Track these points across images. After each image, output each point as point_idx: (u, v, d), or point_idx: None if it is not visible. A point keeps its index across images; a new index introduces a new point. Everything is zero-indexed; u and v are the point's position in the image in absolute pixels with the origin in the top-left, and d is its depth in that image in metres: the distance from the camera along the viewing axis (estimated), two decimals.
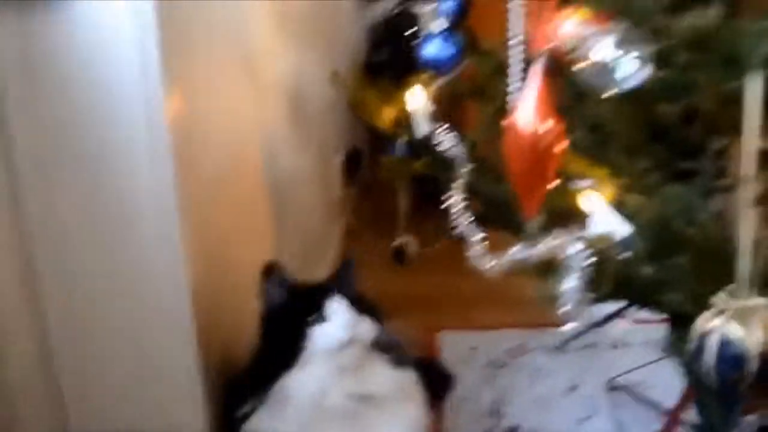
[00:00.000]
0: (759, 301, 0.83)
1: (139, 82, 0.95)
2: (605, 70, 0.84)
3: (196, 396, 1.11)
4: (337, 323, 1.09)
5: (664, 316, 1.21)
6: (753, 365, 0.81)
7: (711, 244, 1.05)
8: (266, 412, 1.09)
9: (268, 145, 1.54)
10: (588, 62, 0.85)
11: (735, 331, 0.81)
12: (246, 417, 1.10)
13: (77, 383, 1.10)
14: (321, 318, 1.10)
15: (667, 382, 1.44)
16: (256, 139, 1.48)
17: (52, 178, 1.00)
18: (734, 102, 0.98)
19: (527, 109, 0.87)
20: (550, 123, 0.86)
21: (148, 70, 0.95)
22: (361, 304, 1.13)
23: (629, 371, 1.63)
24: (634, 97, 1.05)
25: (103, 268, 1.04)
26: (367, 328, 1.11)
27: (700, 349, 0.84)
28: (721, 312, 0.83)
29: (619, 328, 1.71)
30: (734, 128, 1.08)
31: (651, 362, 1.63)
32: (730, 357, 0.82)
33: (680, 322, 1.13)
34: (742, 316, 0.82)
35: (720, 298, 0.84)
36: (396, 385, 1.14)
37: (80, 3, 0.92)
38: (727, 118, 1.08)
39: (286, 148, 1.71)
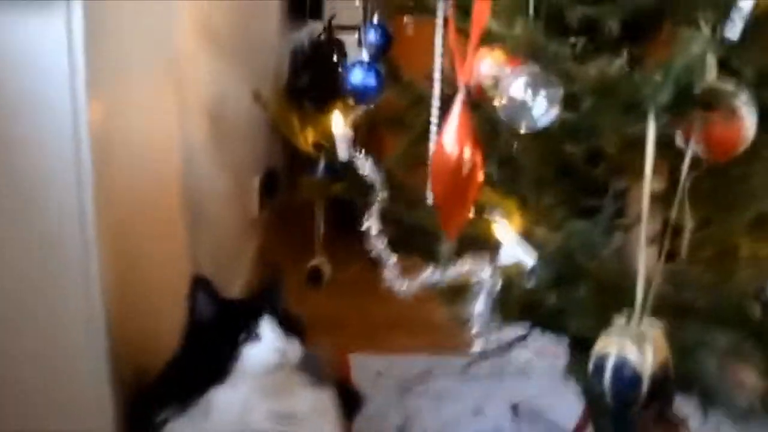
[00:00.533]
0: (652, 325, 0.88)
1: (64, 89, 0.95)
2: (517, 108, 0.89)
3: (105, 400, 1.10)
4: (269, 345, 1.09)
5: (566, 342, 1.27)
6: (645, 386, 0.85)
7: (609, 276, 1.12)
8: (186, 422, 1.09)
9: (187, 159, 1.53)
10: (502, 100, 0.90)
11: (630, 353, 0.86)
12: (163, 424, 1.10)
13: None
14: (253, 337, 1.10)
15: (568, 406, 1.49)
16: (176, 153, 1.48)
17: None
18: (634, 146, 1.05)
19: (450, 137, 0.91)
20: (471, 152, 0.91)
21: (75, 78, 0.96)
22: (288, 323, 1.14)
23: (532, 396, 1.69)
24: (543, 135, 1.11)
25: (17, 270, 1.02)
26: (295, 350, 1.12)
27: (598, 369, 0.88)
28: (617, 335, 0.88)
29: (522, 356, 1.78)
30: (634, 170, 1.16)
31: (553, 387, 1.70)
32: (626, 378, 0.86)
33: (580, 347, 1.19)
34: (638, 340, 0.86)
35: (617, 323, 0.89)
36: (315, 404, 1.16)
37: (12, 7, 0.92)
38: (628, 160, 1.15)
39: (205, 164, 1.71)
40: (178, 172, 1.49)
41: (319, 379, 1.18)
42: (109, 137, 1.06)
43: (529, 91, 0.88)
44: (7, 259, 1.02)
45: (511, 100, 0.89)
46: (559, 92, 0.89)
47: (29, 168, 1.00)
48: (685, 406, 1.24)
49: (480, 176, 0.91)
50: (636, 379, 0.85)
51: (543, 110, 0.89)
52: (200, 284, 1.14)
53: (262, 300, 1.18)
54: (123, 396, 1.14)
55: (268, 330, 1.10)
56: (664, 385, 0.87)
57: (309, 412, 1.14)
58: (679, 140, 0.96)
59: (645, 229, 0.92)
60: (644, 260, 0.90)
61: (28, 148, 0.99)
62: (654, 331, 0.88)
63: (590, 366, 0.89)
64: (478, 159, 0.90)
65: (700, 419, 1.20)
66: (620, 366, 0.86)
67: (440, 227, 0.99)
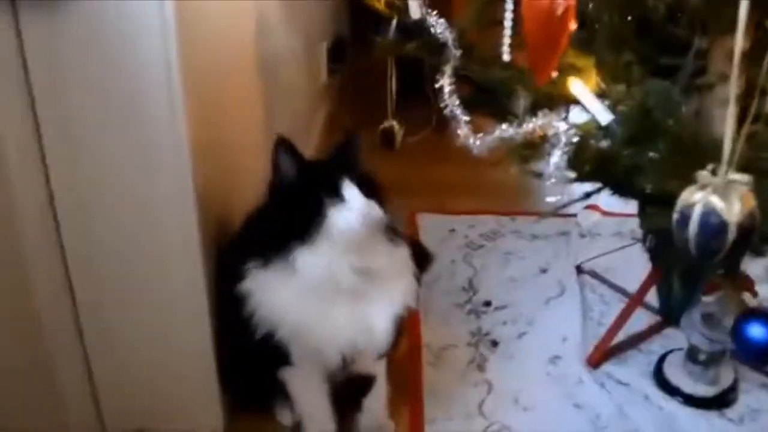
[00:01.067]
0: (737, 176, 0.86)
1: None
2: None
3: (192, 247, 1.15)
4: (354, 207, 1.11)
5: (636, 203, 1.28)
6: (731, 235, 0.85)
7: (688, 135, 1.11)
8: (271, 275, 1.13)
9: (261, 24, 1.54)
10: None
11: (716, 203, 0.85)
12: (248, 273, 1.15)
13: None
14: (339, 199, 1.11)
15: (632, 269, 1.53)
16: (251, 19, 1.49)
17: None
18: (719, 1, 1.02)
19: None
20: None
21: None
22: (368, 184, 1.15)
23: (598, 257, 1.72)
24: None
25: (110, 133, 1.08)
26: (377, 212, 1.13)
27: (683, 219, 0.88)
28: (703, 186, 0.87)
29: (589, 218, 1.80)
30: (717, 28, 1.13)
31: (618, 249, 1.73)
32: (712, 226, 0.86)
33: (653, 206, 1.20)
34: (723, 191, 0.86)
35: (702, 175, 0.88)
36: (393, 259, 1.19)
37: None
38: (711, 16, 1.12)
39: (277, 30, 1.72)
40: (253, 38, 1.51)
41: (395, 236, 1.20)
42: (189, 7, 1.08)
43: None
44: (97, 124, 1.07)
45: None
46: None
47: (116, 34, 1.02)
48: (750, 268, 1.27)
49: (572, 20, 0.89)
50: (722, 227, 0.85)
51: None
52: (283, 145, 1.14)
53: (342, 162, 1.18)
54: (209, 246, 1.19)
55: (352, 192, 1.12)
56: (749, 236, 0.87)
57: (387, 268, 1.17)
58: None
59: (735, 86, 0.89)
60: (733, 112, 0.88)
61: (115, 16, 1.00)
62: (740, 181, 0.87)
63: (675, 216, 0.89)
64: (571, 1, 0.88)
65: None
66: (707, 214, 0.86)
67: (531, 72, 0.97)
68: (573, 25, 0.89)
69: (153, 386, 1.25)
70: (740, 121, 1.24)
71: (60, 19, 0.98)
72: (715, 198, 0.85)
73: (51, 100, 1.03)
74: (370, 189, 1.15)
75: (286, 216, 1.14)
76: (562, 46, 0.91)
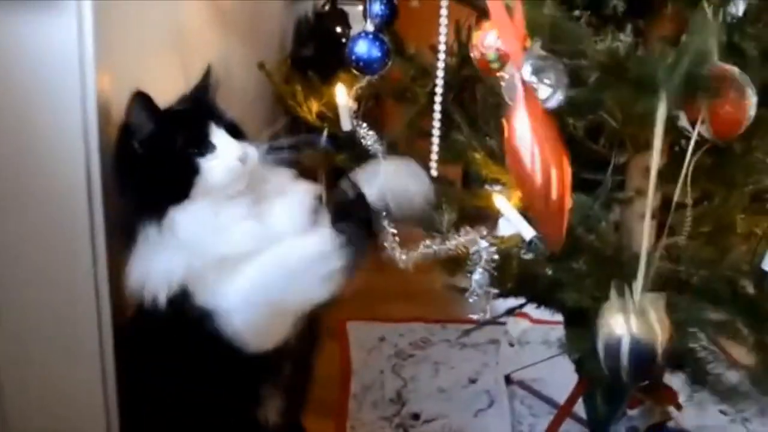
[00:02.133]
0: (654, 296, 0.88)
1: (73, 62, 0.97)
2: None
3: None
4: (228, 154, 1.03)
5: (561, 315, 1.30)
6: (661, 359, 0.86)
7: (607, 249, 1.14)
8: (151, 247, 1.03)
9: None
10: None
11: (640, 331, 0.86)
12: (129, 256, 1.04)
13: None
14: (209, 148, 1.03)
15: (561, 379, 1.52)
16: None
17: None
18: (636, 121, 1.07)
19: (523, 135, 0.88)
20: (558, 173, 0.89)
21: (84, 53, 0.97)
22: (232, 125, 1.08)
23: (526, 367, 1.72)
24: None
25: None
26: (253, 151, 1.07)
27: (611, 351, 0.88)
28: (619, 313, 0.88)
29: (518, 327, 1.81)
30: (634, 145, 1.18)
31: (546, 359, 1.73)
32: (642, 356, 0.86)
33: (576, 320, 1.22)
34: (642, 315, 0.87)
35: (615, 299, 0.89)
36: (279, 180, 1.13)
37: None
38: (629, 134, 1.17)
39: None
40: None
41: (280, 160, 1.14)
42: (117, 111, 1.08)
43: (534, 77, 0.89)
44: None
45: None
46: (565, 78, 0.90)
47: (38, 148, 1.01)
48: (673, 380, 1.28)
49: (569, 200, 0.90)
50: (652, 355, 0.86)
51: (548, 94, 0.89)
52: (141, 99, 1.03)
53: (200, 105, 1.10)
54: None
55: (223, 140, 1.04)
56: (670, 353, 0.88)
57: (276, 187, 1.12)
58: (683, 120, 0.97)
59: (651, 202, 0.92)
60: (648, 234, 0.91)
61: (38, 125, 1.00)
62: (657, 304, 0.88)
63: (601, 349, 0.89)
64: (567, 179, 0.89)
65: (687, 394, 1.23)
66: (635, 346, 0.86)
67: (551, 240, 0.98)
68: (569, 203, 0.90)
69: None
70: (658, 234, 1.29)
71: None
72: (636, 326, 0.86)
73: None
74: (236, 129, 1.08)
75: (150, 178, 1.03)
76: (565, 216, 0.91)
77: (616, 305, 0.89)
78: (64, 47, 0.98)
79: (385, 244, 1.26)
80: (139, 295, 1.05)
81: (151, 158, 1.04)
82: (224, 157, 1.04)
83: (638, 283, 0.88)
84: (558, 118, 1.17)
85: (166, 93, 1.34)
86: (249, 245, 1.05)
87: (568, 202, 0.91)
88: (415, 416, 1.59)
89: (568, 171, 0.91)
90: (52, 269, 1.08)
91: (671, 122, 1.00)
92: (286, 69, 1.77)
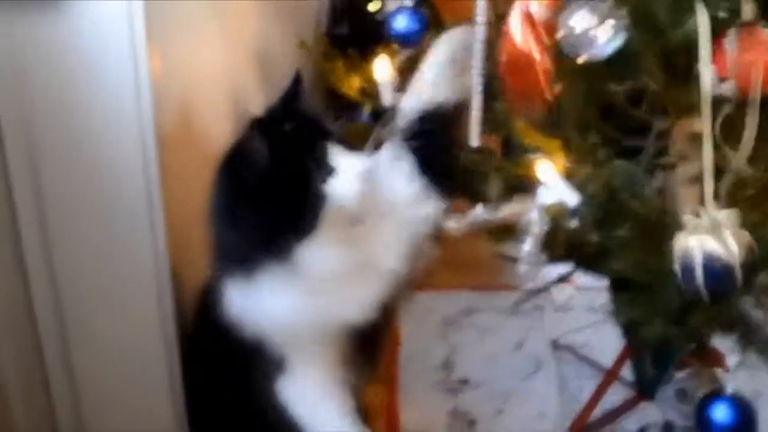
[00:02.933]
0: (722, 215, 0.86)
1: (124, 41, 0.98)
2: (581, 37, 0.90)
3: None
4: (353, 171, 0.94)
5: (607, 282, 1.31)
6: (739, 274, 0.83)
7: (652, 215, 1.15)
8: (264, 284, 0.96)
9: (236, 108, 1.58)
10: (564, 30, 0.90)
11: (713, 245, 0.83)
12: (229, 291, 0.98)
13: None
14: (330, 171, 0.94)
15: (607, 343, 1.54)
16: (226, 102, 1.53)
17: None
18: (678, 84, 1.07)
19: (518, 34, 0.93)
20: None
21: (134, 28, 0.98)
22: (334, 134, 0.99)
23: (572, 332, 1.74)
24: (586, 75, 1.14)
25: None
26: (370, 164, 0.98)
27: (687, 270, 0.86)
28: (693, 232, 0.86)
29: (564, 293, 1.82)
30: (677, 109, 1.18)
31: (592, 324, 1.75)
32: (718, 271, 0.84)
33: (622, 285, 1.23)
34: (715, 230, 0.84)
35: (688, 221, 0.87)
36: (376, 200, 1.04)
37: None
38: (671, 99, 1.17)
39: (253, 111, 1.75)
40: (228, 121, 1.54)
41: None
42: (166, 86, 1.11)
43: (595, 19, 0.89)
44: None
45: (572, 29, 0.89)
46: (624, 19, 0.89)
47: (93, 122, 1.02)
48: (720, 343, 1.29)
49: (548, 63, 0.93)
50: (729, 270, 0.84)
51: (608, 38, 0.89)
52: (256, 125, 0.95)
53: (305, 121, 0.99)
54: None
55: (342, 159, 0.95)
56: (754, 270, 0.86)
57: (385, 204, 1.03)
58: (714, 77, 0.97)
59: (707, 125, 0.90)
60: (710, 148, 0.89)
61: (92, 103, 1.01)
62: (728, 217, 0.86)
63: (677, 269, 0.87)
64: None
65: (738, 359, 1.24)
66: (709, 261, 0.84)
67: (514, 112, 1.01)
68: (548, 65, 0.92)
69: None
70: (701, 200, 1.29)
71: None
72: (709, 241, 0.84)
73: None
74: (343, 140, 0.99)
75: (269, 212, 0.93)
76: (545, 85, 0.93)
77: (689, 228, 0.88)
78: (114, 27, 0.98)
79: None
80: (243, 328, 1.00)
81: (270, 189, 0.94)
82: (348, 176, 0.95)
83: (707, 199, 0.86)
84: (599, 83, 1.19)
85: (208, 68, 1.38)
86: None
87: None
88: (464, 381, 1.63)
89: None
90: (113, 263, 1.09)
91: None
92: (325, 46, 1.79)
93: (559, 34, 0.92)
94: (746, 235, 0.86)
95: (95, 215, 1.06)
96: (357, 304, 1.00)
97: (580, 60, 0.91)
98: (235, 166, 0.96)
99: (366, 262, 1.01)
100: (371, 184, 0.99)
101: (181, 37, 1.23)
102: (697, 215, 0.88)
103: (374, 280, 1.02)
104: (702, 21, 0.86)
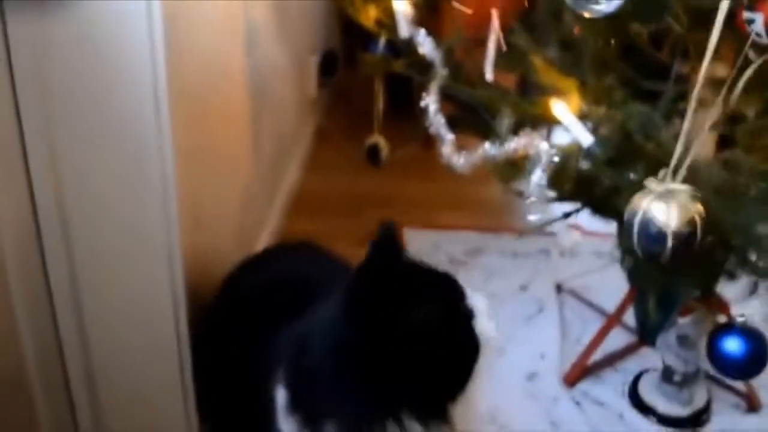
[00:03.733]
0: (680, 186, 0.93)
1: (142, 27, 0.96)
2: None
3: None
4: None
5: (614, 223, 1.31)
6: (669, 242, 0.90)
7: (667, 158, 1.13)
8: None
9: (249, 37, 1.56)
10: None
11: (657, 210, 0.91)
12: None
13: None
14: (472, 316, 0.91)
15: (611, 288, 1.55)
16: (240, 31, 1.51)
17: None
18: (701, 26, 1.05)
19: None
20: None
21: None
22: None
23: (577, 276, 1.74)
24: (609, 16, 1.11)
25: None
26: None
27: (627, 226, 0.94)
28: (648, 195, 0.93)
29: (569, 237, 1.82)
30: (699, 53, 1.16)
31: (598, 269, 1.75)
32: (651, 233, 0.92)
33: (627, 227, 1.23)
34: (664, 198, 0.92)
35: (650, 182, 0.94)
36: None
37: None
38: (694, 41, 1.15)
39: (268, 43, 1.74)
40: (242, 50, 1.52)
41: None
42: (179, 16, 1.09)
43: None
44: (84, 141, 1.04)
45: None
46: None
47: (104, 55, 1.02)
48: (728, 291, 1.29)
49: None
50: (661, 235, 0.91)
51: None
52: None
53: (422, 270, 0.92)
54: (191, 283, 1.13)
55: (477, 299, 0.93)
56: (689, 244, 0.92)
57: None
58: (757, 24, 0.95)
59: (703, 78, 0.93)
60: (689, 120, 0.93)
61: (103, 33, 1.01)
62: (682, 190, 0.92)
63: (625, 221, 0.95)
64: None
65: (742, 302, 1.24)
66: (645, 222, 0.92)
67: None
68: None
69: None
70: (720, 145, 1.27)
71: (49, 28, 0.98)
72: (655, 205, 0.91)
73: (36, 107, 1.01)
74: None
75: (437, 364, 0.84)
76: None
77: (647, 189, 0.94)
78: (133, 21, 0.98)
79: (443, 150, 1.28)
80: None
81: (425, 350, 0.84)
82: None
83: (668, 170, 0.93)
84: (621, 24, 1.16)
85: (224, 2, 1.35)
86: None
87: None
88: None
89: None
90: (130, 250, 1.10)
91: (734, 29, 0.98)
92: None
93: None
94: (693, 211, 0.92)
95: (114, 213, 1.07)
96: None
97: (586, 15, 0.89)
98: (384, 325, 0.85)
99: None
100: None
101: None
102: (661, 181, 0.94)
103: None
104: None
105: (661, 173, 0.95)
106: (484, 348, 0.88)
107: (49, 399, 1.16)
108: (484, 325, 0.90)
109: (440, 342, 0.85)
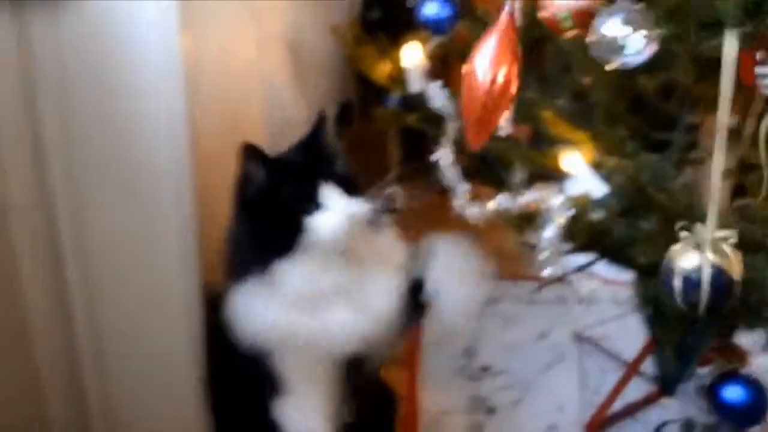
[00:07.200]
0: (724, 233, 0.89)
1: (157, 23, 1.00)
2: (610, 45, 0.89)
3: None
4: (338, 212, 1.04)
5: (631, 272, 1.31)
6: (707, 291, 0.86)
7: (679, 208, 1.14)
8: (252, 292, 1.07)
9: (267, 89, 1.60)
10: (595, 36, 0.89)
11: (720, 261, 0.86)
12: (229, 295, 1.09)
13: None
14: (317, 206, 1.05)
15: (630, 337, 1.54)
16: (257, 83, 1.54)
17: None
18: (708, 78, 1.06)
19: (485, 56, 0.90)
20: (505, 70, 0.89)
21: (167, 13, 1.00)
22: (345, 178, 1.08)
23: (596, 324, 1.74)
24: (616, 69, 1.13)
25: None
26: (361, 210, 1.07)
27: (690, 283, 0.88)
28: (695, 247, 0.88)
29: (587, 285, 1.82)
30: (707, 104, 1.17)
31: (616, 317, 1.74)
32: (721, 284, 0.86)
33: (646, 276, 1.23)
34: (716, 248, 0.87)
35: (685, 238, 0.90)
36: (378, 246, 1.14)
37: None
38: (701, 93, 1.16)
39: (285, 96, 1.77)
40: (260, 100, 1.56)
41: (377, 220, 1.13)
42: (198, 69, 1.12)
43: (626, 29, 0.88)
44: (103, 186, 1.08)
45: (603, 36, 0.89)
46: (657, 31, 0.89)
47: (128, 107, 1.05)
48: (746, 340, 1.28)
49: (513, 89, 0.90)
50: (730, 283, 0.87)
51: (639, 48, 0.89)
52: (251, 151, 1.07)
53: (313, 153, 1.11)
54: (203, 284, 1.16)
55: (332, 197, 1.05)
56: (728, 292, 0.88)
57: (374, 255, 1.12)
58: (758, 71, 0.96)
59: (724, 131, 0.90)
60: (719, 169, 0.89)
61: (127, 86, 1.04)
62: (728, 236, 0.89)
63: (677, 282, 0.89)
64: (514, 73, 0.89)
65: (762, 353, 1.23)
66: (716, 275, 0.86)
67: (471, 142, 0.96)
68: (514, 89, 0.91)
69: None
70: (733, 194, 1.28)
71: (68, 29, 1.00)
72: (715, 257, 0.86)
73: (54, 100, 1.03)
74: (347, 182, 1.08)
75: (260, 229, 1.07)
76: (498, 117, 0.92)
77: (690, 242, 0.90)
78: (150, 13, 1.01)
79: (457, 200, 1.29)
80: (231, 327, 1.10)
81: (261, 210, 1.07)
82: (332, 215, 1.04)
83: (711, 219, 0.89)
84: (629, 77, 1.18)
85: (239, 49, 1.39)
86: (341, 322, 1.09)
87: (510, 95, 0.91)
88: (485, 369, 1.63)
89: (517, 69, 0.91)
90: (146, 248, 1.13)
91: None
92: (357, 32, 1.80)
93: (590, 38, 0.91)
94: (739, 255, 0.89)
95: (130, 210, 1.10)
96: (338, 330, 1.09)
97: (610, 67, 0.90)
98: (241, 188, 1.09)
99: (353, 297, 1.10)
100: (365, 229, 1.10)
101: (215, 23, 1.24)
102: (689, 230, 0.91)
103: (359, 315, 1.10)
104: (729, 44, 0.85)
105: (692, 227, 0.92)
106: (314, 232, 1.04)
107: (63, 401, 1.18)
108: (326, 220, 1.05)
109: (270, 216, 1.06)
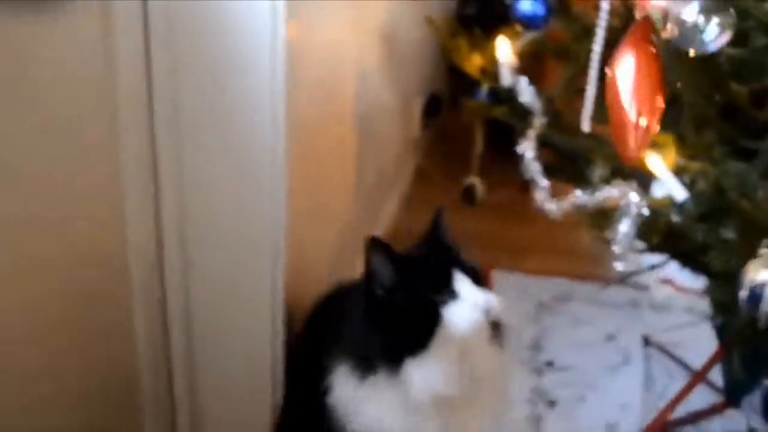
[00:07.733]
0: None
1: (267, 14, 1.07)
2: (688, 31, 0.90)
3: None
4: (475, 302, 0.98)
5: (705, 279, 1.30)
6: None
7: (761, 218, 1.13)
8: (369, 386, 1.02)
9: (361, 77, 1.65)
10: (672, 23, 0.91)
11: None
12: (337, 381, 1.05)
13: None
14: (452, 296, 0.99)
15: (700, 346, 1.53)
16: (352, 72, 1.60)
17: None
18: None
19: (626, 80, 0.90)
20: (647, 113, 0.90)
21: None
22: (472, 270, 1.03)
23: (666, 330, 1.72)
24: (710, 72, 1.13)
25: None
26: (496, 304, 1.01)
27: (754, 296, 0.90)
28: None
29: (662, 291, 1.81)
30: None
31: (688, 324, 1.73)
32: None
33: (721, 284, 1.22)
34: None
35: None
36: (500, 364, 1.08)
37: None
38: None
39: (376, 83, 1.83)
40: (353, 89, 1.62)
41: (499, 334, 1.06)
42: (301, 54, 1.18)
43: (702, 16, 0.89)
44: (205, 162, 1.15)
45: (683, 23, 0.90)
46: (731, 18, 0.90)
47: (235, 83, 1.11)
48: None
49: (656, 127, 0.91)
50: None
51: (714, 35, 0.90)
52: (377, 246, 1.02)
53: (437, 248, 1.06)
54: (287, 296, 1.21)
55: (466, 285, 0.99)
56: None
57: (494, 373, 1.07)
58: None
59: None
60: None
61: (235, 66, 1.10)
62: None
63: (743, 293, 0.91)
64: (657, 111, 0.90)
65: None
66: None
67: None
68: (661, 103, 0.92)
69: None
70: None
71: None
72: None
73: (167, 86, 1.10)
74: (475, 275, 1.03)
75: (391, 325, 1.01)
76: (646, 142, 0.93)
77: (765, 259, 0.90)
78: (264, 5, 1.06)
79: (536, 196, 1.31)
80: (342, 419, 1.05)
81: (393, 305, 1.01)
82: (467, 305, 0.99)
83: None
84: (722, 81, 1.18)
85: (338, 38, 1.45)
86: None
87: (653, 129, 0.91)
88: (549, 364, 1.65)
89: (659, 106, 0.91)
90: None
91: None
92: (452, 25, 1.83)
93: (669, 27, 0.92)
94: None
95: (229, 172, 1.15)
96: None
97: (691, 54, 0.91)
98: (369, 283, 1.04)
99: (472, 398, 1.05)
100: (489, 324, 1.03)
101: (318, 13, 1.30)
102: None
103: (476, 418, 1.06)
104: None
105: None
106: (449, 324, 0.99)
107: (154, 401, 1.26)
108: (461, 310, 0.99)
109: (398, 311, 1.01)
